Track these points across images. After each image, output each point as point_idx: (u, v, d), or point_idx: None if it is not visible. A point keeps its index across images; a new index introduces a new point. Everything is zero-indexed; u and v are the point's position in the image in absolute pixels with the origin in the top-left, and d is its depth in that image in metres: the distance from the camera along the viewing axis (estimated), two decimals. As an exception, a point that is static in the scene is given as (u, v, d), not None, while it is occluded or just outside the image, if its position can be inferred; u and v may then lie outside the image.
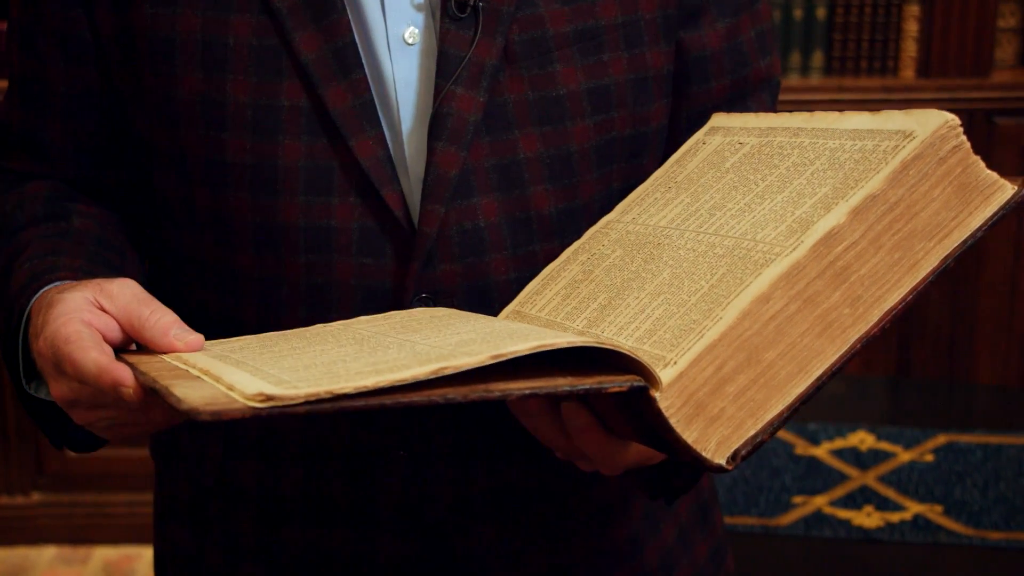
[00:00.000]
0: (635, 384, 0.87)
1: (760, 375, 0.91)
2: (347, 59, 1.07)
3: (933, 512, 2.34)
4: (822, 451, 2.51)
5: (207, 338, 1.09)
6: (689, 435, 0.90)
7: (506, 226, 1.10)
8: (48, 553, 3.29)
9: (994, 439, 2.54)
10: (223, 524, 1.21)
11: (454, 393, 0.84)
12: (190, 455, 1.23)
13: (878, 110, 1.00)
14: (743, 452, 0.91)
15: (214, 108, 1.08)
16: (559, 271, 1.09)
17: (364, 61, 1.08)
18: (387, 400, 0.83)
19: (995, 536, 2.29)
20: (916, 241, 0.94)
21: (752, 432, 0.91)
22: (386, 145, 1.08)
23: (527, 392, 0.85)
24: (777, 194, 1.00)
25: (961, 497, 2.37)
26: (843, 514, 2.33)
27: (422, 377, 0.84)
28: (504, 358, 0.86)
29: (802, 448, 2.51)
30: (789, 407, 0.92)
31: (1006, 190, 0.96)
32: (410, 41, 1.09)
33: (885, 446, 2.52)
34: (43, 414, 1.09)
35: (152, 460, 1.31)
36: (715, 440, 0.91)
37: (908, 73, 3.04)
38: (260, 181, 1.09)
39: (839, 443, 2.53)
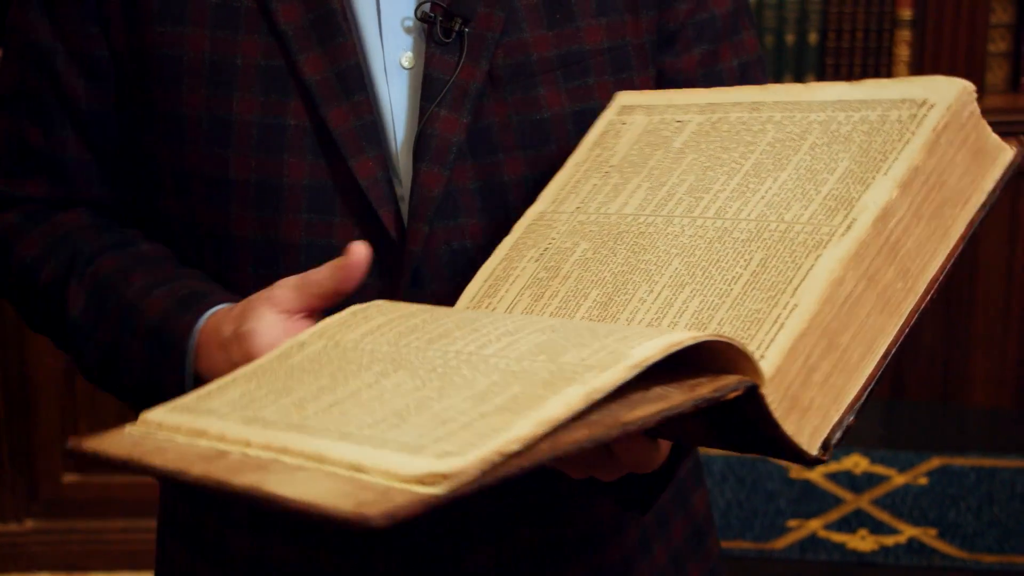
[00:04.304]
0: (749, 385, 0.84)
1: (839, 360, 0.90)
2: (350, 81, 1.09)
3: (927, 535, 2.34)
4: (816, 474, 2.51)
5: None
6: (787, 430, 0.88)
7: (492, 247, 1.11)
8: (42, 580, 3.29)
9: (988, 462, 2.54)
10: (218, 540, 1.21)
11: (601, 433, 0.76)
12: None
13: None
14: (834, 440, 0.89)
15: (219, 126, 1.10)
16: (507, 269, 1.06)
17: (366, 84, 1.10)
18: (543, 454, 0.74)
19: (989, 559, 2.29)
20: (947, 209, 0.95)
21: (836, 418, 0.90)
22: (385, 166, 1.10)
23: (660, 417, 0.79)
24: (778, 172, 0.99)
25: (955, 520, 2.38)
26: (838, 538, 2.34)
27: (578, 408, 0.76)
28: (642, 368, 0.80)
29: (796, 472, 2.52)
30: (864, 388, 0.91)
31: (1008, 152, 0.99)
32: (407, 65, 1.11)
33: (879, 469, 2.52)
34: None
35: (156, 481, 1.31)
36: (808, 431, 0.89)
37: (900, 97, 3.05)
38: (263, 199, 1.10)
39: (833, 466, 2.53)
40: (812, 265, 0.91)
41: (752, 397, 0.85)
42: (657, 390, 0.82)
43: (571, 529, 1.19)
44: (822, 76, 3.11)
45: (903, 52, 3.05)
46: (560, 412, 0.75)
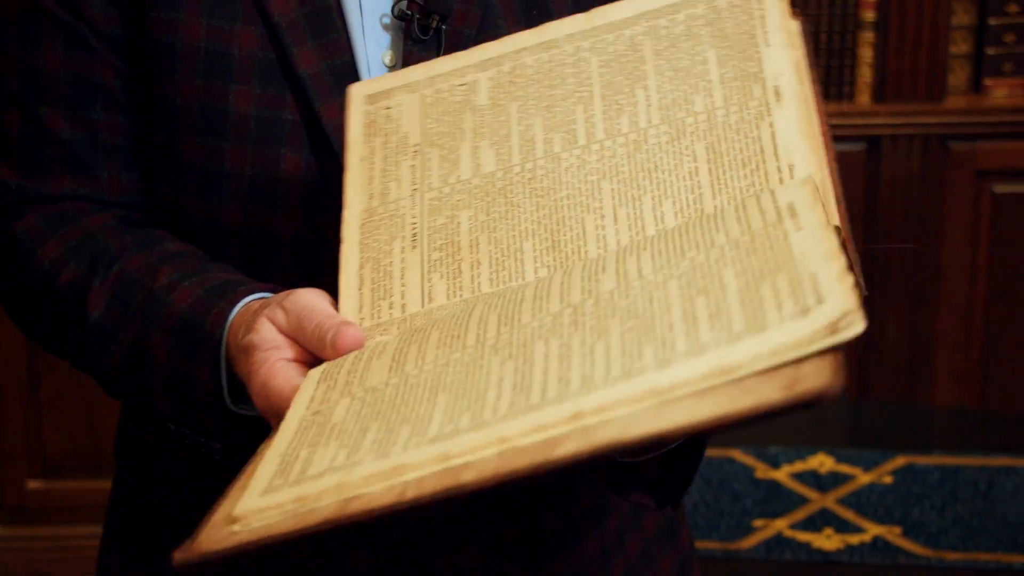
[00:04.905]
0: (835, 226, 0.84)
1: (831, 202, 0.89)
2: (343, 77, 1.09)
3: (892, 534, 2.35)
4: (782, 474, 2.52)
5: None
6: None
7: None
8: (7, 586, 3.27)
9: (952, 460, 2.56)
10: (152, 550, 1.21)
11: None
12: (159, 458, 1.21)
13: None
14: (860, 279, 0.88)
15: (214, 117, 1.09)
16: (377, 270, 0.98)
17: None
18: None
19: (953, 557, 2.30)
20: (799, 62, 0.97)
21: (857, 270, 0.89)
22: None
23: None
24: (641, 81, 0.97)
25: (920, 519, 2.39)
26: (803, 537, 2.35)
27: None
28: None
29: (762, 471, 2.53)
30: (845, 228, 0.89)
31: (795, 22, 1.01)
32: (388, 64, 1.11)
33: (844, 468, 2.53)
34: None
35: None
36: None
37: (864, 98, 3.07)
38: (258, 192, 1.09)
39: (799, 466, 2.54)
40: (772, 132, 0.91)
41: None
42: None
43: (551, 524, 1.19)
44: (786, 78, 3.12)
45: (866, 54, 3.07)
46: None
